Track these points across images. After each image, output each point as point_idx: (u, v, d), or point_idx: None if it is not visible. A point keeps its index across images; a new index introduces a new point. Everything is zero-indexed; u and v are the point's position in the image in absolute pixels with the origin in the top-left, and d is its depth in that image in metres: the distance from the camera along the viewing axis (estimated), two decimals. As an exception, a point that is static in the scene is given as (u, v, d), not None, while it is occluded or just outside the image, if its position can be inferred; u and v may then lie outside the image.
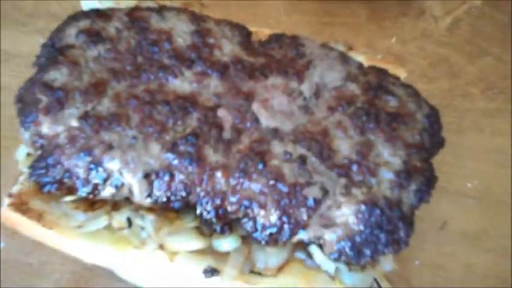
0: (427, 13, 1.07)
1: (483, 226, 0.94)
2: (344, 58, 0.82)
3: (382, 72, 0.83)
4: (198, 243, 0.76)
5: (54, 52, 0.78)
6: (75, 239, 0.78)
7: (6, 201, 0.79)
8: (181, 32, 0.80)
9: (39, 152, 0.75)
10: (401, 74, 0.90)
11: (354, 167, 0.74)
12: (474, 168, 0.98)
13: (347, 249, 0.74)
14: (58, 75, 0.75)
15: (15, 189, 0.79)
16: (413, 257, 0.91)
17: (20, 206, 0.78)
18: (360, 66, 0.82)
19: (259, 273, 0.78)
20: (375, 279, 0.81)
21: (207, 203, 0.74)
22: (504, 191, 0.96)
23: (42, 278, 0.87)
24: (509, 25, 1.07)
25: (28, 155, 0.81)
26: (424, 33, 1.06)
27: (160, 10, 0.82)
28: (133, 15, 0.80)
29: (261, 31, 0.88)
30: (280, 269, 0.79)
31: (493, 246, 0.93)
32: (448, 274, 0.91)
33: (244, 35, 0.82)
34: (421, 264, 0.91)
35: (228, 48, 0.79)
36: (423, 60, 1.03)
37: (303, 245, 0.79)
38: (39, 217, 0.77)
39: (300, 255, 0.79)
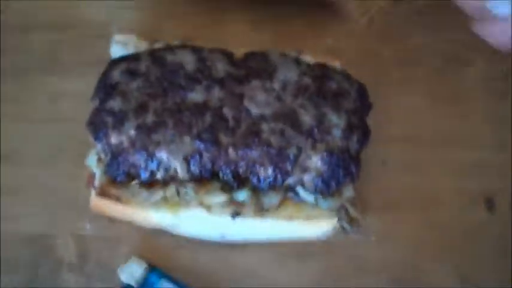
0: (349, 17, 1.36)
1: (413, 159, 1.24)
2: (297, 61, 1.15)
3: (323, 66, 1.16)
4: (223, 197, 1.06)
5: (108, 88, 1.09)
6: (143, 209, 1.07)
7: (93, 193, 1.09)
8: (188, 61, 1.12)
9: (110, 156, 1.07)
10: (336, 63, 1.21)
11: (315, 131, 1.07)
12: (400, 120, 1.27)
13: (319, 184, 1.07)
14: (115, 103, 1.07)
15: (96, 184, 1.09)
16: (366, 187, 1.17)
17: (103, 193, 1.08)
18: (308, 65, 1.15)
19: (266, 210, 1.08)
20: (342, 204, 1.11)
21: (225, 169, 1.06)
22: (423, 132, 1.27)
23: (120, 243, 1.17)
24: (409, 17, 1.38)
25: (98, 160, 1.10)
26: (349, 32, 1.35)
27: (171, 49, 1.14)
28: (154, 55, 1.12)
29: (238, 50, 1.17)
30: (279, 206, 1.09)
31: (422, 172, 1.24)
32: (392, 195, 1.22)
33: (228, 56, 1.14)
34: (372, 190, 1.20)
35: (220, 67, 1.11)
36: (351, 53, 1.32)
37: (291, 188, 1.09)
38: (117, 199, 1.08)
39: (290, 194, 1.09)
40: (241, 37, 1.34)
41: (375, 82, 1.22)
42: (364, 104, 1.15)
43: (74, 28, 1.35)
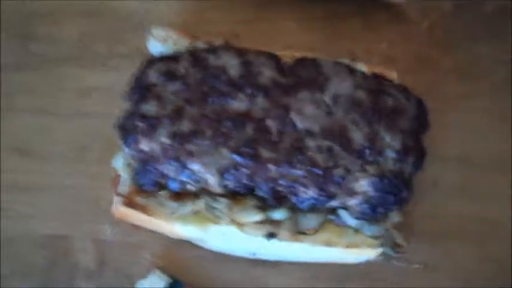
0: (409, 19, 1.25)
1: (465, 183, 1.15)
2: (351, 70, 1.04)
3: (379, 78, 1.06)
4: (259, 215, 0.98)
5: (143, 90, 1.01)
6: (169, 221, 1.01)
7: (117, 200, 1.02)
8: (232, 65, 1.02)
9: (138, 163, 0.98)
10: (393, 73, 1.11)
11: (367, 151, 0.97)
12: (456, 138, 1.17)
13: (365, 210, 0.98)
14: (149, 107, 0.98)
15: (121, 190, 1.02)
16: (414, 210, 1.09)
17: (129, 202, 1.01)
18: (363, 75, 1.05)
19: (304, 233, 1.00)
20: (387, 229, 1.02)
21: (263, 187, 0.97)
22: (480, 154, 1.17)
23: (141, 251, 1.11)
24: (474, 22, 1.27)
25: (126, 165, 1.02)
26: (408, 36, 1.24)
27: (214, 50, 1.04)
28: (195, 56, 1.03)
29: (284, 54, 1.07)
30: (318, 228, 1.00)
31: (474, 197, 1.14)
32: (441, 221, 1.13)
33: (276, 61, 1.04)
34: (419, 215, 1.11)
35: (266, 74, 1.01)
36: (409, 58, 1.22)
37: (333, 210, 1.00)
38: (143, 209, 1.01)
39: (332, 217, 1.01)
40: (288, 36, 1.26)
41: (431, 94, 1.12)
42: (421, 123, 1.05)
43: (108, 18, 1.28)
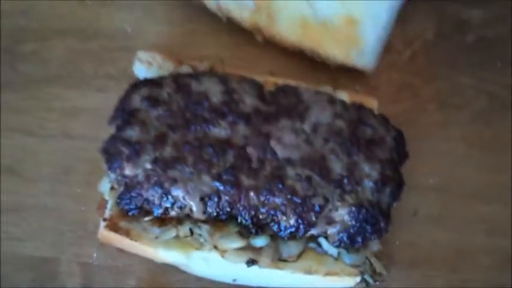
0: (391, 48, 1.26)
1: (444, 212, 1.16)
2: (332, 100, 1.07)
3: (359, 108, 1.08)
4: (240, 242, 1.00)
5: (127, 115, 1.02)
6: (153, 246, 1.02)
7: (103, 223, 1.03)
8: (214, 92, 1.04)
9: (123, 187, 1.00)
10: (374, 102, 1.14)
11: (345, 180, 0.99)
12: (434, 167, 1.19)
13: (344, 238, 0.99)
14: (133, 133, 1.00)
15: (106, 215, 1.03)
16: (394, 238, 1.13)
17: (113, 226, 1.02)
18: (344, 104, 1.07)
19: (284, 260, 1.02)
20: (367, 257, 1.04)
21: (245, 214, 0.99)
22: (458, 183, 1.18)
23: (127, 276, 1.12)
24: (456, 51, 1.28)
25: (111, 188, 1.04)
26: (390, 64, 1.26)
27: (197, 76, 1.06)
28: (178, 82, 1.05)
29: (267, 81, 1.10)
30: (299, 256, 1.02)
31: (452, 226, 1.15)
32: (420, 250, 1.14)
33: (258, 89, 1.06)
34: (399, 244, 1.14)
35: (248, 101, 1.04)
36: (391, 87, 1.24)
37: (313, 238, 1.02)
38: (127, 233, 1.02)
39: (312, 245, 1.03)
40: (272, 61, 1.26)
41: (411, 123, 1.16)
42: (400, 153, 1.07)
43: (96, 38, 1.28)
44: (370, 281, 1.06)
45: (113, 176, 1.01)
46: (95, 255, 1.13)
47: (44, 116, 1.22)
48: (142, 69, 1.14)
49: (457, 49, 1.31)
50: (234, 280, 1.08)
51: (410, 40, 1.31)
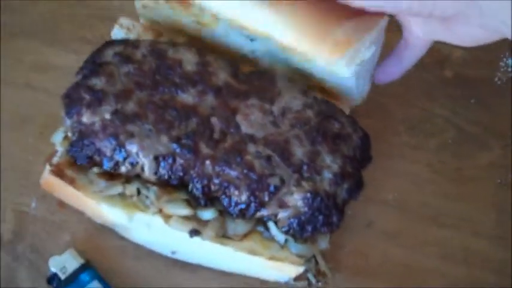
0: None
1: (399, 228, 1.14)
2: (304, 91, 1.05)
3: (331, 105, 1.06)
4: (187, 211, 0.97)
5: (96, 66, 1.00)
6: (95, 200, 0.98)
7: (48, 168, 1.00)
8: (189, 61, 1.02)
9: (77, 135, 0.97)
10: (346, 109, 1.12)
11: (305, 167, 0.96)
12: (396, 184, 1.18)
13: (294, 225, 0.95)
14: (98, 82, 0.98)
15: (54, 161, 1.00)
16: (345, 244, 1.10)
17: (58, 172, 0.99)
18: (316, 98, 1.05)
19: (229, 238, 0.98)
20: (313, 255, 1.01)
21: (197, 182, 0.95)
22: (416, 204, 1.17)
23: (62, 231, 1.08)
24: (432, 82, 1.29)
25: (64, 138, 1.01)
26: None
27: (175, 44, 1.05)
28: (154, 46, 1.03)
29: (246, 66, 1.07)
30: (244, 236, 0.99)
31: (405, 244, 1.13)
32: (368, 260, 1.11)
33: (234, 67, 1.05)
34: (348, 251, 1.11)
35: (222, 76, 1.02)
36: (365, 103, 1.19)
37: (262, 221, 0.99)
38: (71, 181, 0.98)
39: (260, 228, 1.00)
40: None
41: (379, 138, 1.13)
42: (364, 155, 1.05)
43: (84, 6, 1.29)
44: (313, 280, 1.03)
45: (68, 122, 0.98)
46: (33, 205, 1.09)
47: (12, 64, 1.20)
48: (120, 35, 1.13)
49: (434, 80, 1.32)
50: (173, 253, 1.04)
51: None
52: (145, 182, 0.98)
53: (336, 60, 0.96)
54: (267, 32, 0.97)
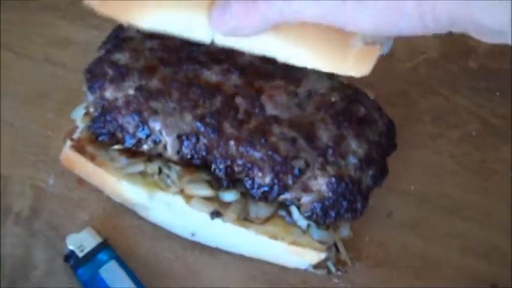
0: (394, 56, 1.26)
1: (419, 220, 1.12)
2: (331, 75, 1.02)
3: (357, 90, 1.04)
4: (208, 192, 0.95)
5: (119, 40, 0.99)
6: (116, 177, 0.97)
7: (69, 143, 0.98)
8: None
9: (99, 110, 0.95)
10: (371, 94, 1.08)
11: (330, 151, 0.94)
12: (417, 175, 1.15)
13: (318, 210, 0.93)
14: (122, 57, 0.96)
15: (75, 137, 0.99)
16: (365, 234, 1.08)
17: (79, 148, 0.97)
18: (342, 83, 1.03)
19: (251, 221, 0.96)
20: (334, 242, 1.00)
21: (220, 162, 0.93)
22: (438, 195, 1.14)
23: (80, 209, 1.06)
24: (457, 73, 1.28)
25: (85, 114, 1.00)
26: (391, 70, 1.25)
27: None
28: None
29: None
30: (266, 220, 0.97)
31: (424, 235, 1.10)
32: (389, 250, 1.09)
33: None
34: (369, 240, 1.09)
35: (247, 56, 0.98)
36: (388, 90, 1.20)
37: (284, 206, 0.97)
38: (92, 157, 0.97)
39: (282, 212, 0.98)
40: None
41: (402, 128, 1.10)
42: (389, 141, 1.03)
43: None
44: (332, 268, 1.02)
45: (90, 97, 0.97)
46: (51, 181, 1.07)
47: (31, 38, 1.20)
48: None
49: (459, 71, 1.31)
50: (193, 235, 1.02)
51: (414, 53, 1.31)
52: (167, 161, 0.97)
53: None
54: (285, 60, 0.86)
